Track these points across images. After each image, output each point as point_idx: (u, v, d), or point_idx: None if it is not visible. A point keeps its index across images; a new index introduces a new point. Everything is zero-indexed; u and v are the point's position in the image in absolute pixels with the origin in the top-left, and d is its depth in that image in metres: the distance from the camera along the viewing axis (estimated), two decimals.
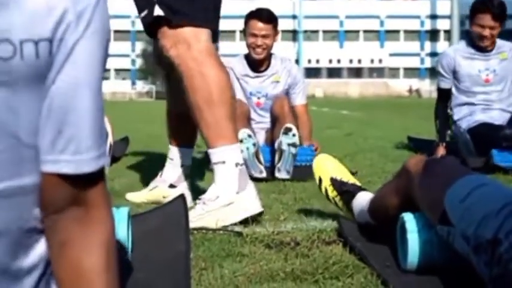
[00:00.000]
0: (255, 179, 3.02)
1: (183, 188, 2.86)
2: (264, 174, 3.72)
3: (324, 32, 72.16)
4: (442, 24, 68.68)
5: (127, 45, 67.93)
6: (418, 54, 71.72)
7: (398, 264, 1.74)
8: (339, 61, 71.31)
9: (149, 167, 4.01)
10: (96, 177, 0.94)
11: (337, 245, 2.01)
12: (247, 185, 2.40)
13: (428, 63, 69.98)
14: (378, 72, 71.04)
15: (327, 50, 71.14)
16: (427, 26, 71.78)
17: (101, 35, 0.92)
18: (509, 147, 4.09)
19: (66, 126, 0.89)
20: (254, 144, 3.74)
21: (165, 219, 2.04)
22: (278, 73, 4.40)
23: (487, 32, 4.42)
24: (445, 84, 4.61)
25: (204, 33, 2.45)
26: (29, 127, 0.89)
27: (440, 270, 1.64)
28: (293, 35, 70.37)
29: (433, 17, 71.07)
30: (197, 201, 2.44)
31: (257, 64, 4.37)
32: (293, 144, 3.74)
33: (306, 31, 70.88)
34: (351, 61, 71.31)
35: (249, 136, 3.73)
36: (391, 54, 70.51)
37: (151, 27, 2.50)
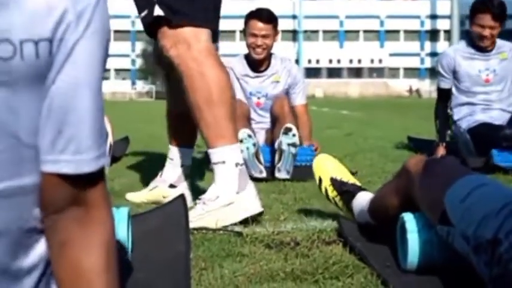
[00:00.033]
0: (255, 179, 3.02)
1: (183, 188, 2.86)
2: (264, 174, 3.72)
3: (324, 32, 72.17)
4: (442, 24, 68.70)
5: (127, 45, 67.94)
6: (418, 54, 71.73)
7: (398, 264, 1.74)
8: (339, 61, 71.32)
9: (149, 167, 4.01)
10: (96, 177, 0.94)
11: (337, 245, 2.01)
12: (247, 185, 2.40)
13: (428, 63, 69.99)
14: (377, 72, 71.05)
15: (327, 50, 71.15)
16: (427, 26, 71.80)
17: (101, 35, 0.92)
18: (509, 147, 4.09)
19: (66, 126, 0.90)
20: (254, 144, 3.74)
21: (165, 219, 2.04)
22: (278, 73, 4.40)
23: (487, 32, 4.42)
24: (445, 84, 4.61)
25: (204, 33, 2.45)
26: (29, 127, 0.89)
27: (440, 270, 1.64)
28: (293, 35, 70.38)
29: (433, 17, 71.09)
30: (197, 201, 2.44)
31: (257, 64, 4.38)
32: (293, 144, 3.74)
33: (306, 31, 70.90)
34: (351, 61, 71.33)
35: (249, 136, 3.73)
36: (391, 54, 70.52)
37: (151, 27, 2.50)
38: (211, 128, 2.40)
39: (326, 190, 2.31)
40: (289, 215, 2.54)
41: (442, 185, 1.55)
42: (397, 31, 71.56)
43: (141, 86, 68.96)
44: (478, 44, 4.51)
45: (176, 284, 1.59)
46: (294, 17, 70.16)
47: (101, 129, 0.93)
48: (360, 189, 2.21)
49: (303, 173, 3.59)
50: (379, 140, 6.66)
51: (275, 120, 4.05)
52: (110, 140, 3.77)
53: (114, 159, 4.44)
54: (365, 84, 68.55)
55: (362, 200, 2.11)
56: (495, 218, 1.34)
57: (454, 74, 4.58)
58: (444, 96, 4.62)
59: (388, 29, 71.59)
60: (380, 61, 71.21)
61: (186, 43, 2.42)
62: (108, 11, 0.94)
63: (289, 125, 3.77)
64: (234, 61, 4.46)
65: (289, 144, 3.74)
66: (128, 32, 65.50)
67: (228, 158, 2.38)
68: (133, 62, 69.65)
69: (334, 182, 2.28)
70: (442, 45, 65.52)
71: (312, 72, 67.98)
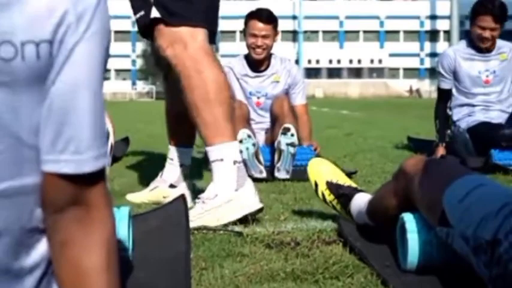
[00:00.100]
0: (255, 179, 3.02)
1: (183, 188, 2.86)
2: (264, 174, 3.73)
3: (324, 32, 72.13)
4: (442, 25, 68.65)
5: (127, 46, 67.90)
6: (417, 55, 71.69)
7: (398, 264, 1.74)
8: (339, 61, 71.28)
9: (149, 167, 4.02)
10: (96, 177, 0.94)
11: (337, 245, 2.01)
12: (245, 182, 2.40)
13: (428, 63, 69.97)
14: (377, 72, 71.01)
15: (327, 51, 71.10)
16: (427, 26, 71.76)
17: (101, 36, 0.92)
18: (509, 147, 4.09)
19: (66, 127, 0.90)
20: (254, 145, 3.74)
21: (165, 219, 2.04)
22: (278, 73, 4.41)
23: (487, 34, 4.42)
24: (445, 85, 4.61)
25: (200, 33, 2.45)
26: (30, 127, 0.89)
27: (440, 270, 1.64)
28: (293, 35, 70.35)
29: (433, 17, 71.05)
30: (196, 200, 2.45)
31: (257, 64, 4.38)
32: (292, 144, 3.75)
33: (306, 31, 70.86)
34: (350, 61, 71.29)
35: (249, 136, 3.74)
36: (390, 55, 70.48)
37: (147, 27, 2.51)
38: (209, 126, 2.41)
39: (323, 194, 2.30)
40: (289, 215, 2.54)
41: (440, 185, 1.55)
42: (397, 31, 71.52)
43: (142, 86, 68.92)
44: (478, 45, 4.51)
45: (176, 283, 1.59)
46: (294, 17, 70.14)
47: (101, 129, 0.93)
48: (357, 190, 2.20)
49: (302, 173, 3.59)
50: (379, 140, 6.66)
51: (275, 120, 4.06)
52: (111, 140, 3.77)
53: (115, 160, 4.44)
54: (365, 85, 68.52)
55: (360, 201, 2.10)
56: (494, 219, 1.34)
57: (454, 74, 4.58)
58: (444, 96, 4.62)
59: (388, 30, 71.55)
60: (380, 61, 71.17)
61: (183, 43, 2.43)
62: (108, 12, 0.94)
63: (287, 125, 3.78)
64: (234, 61, 4.47)
65: (287, 144, 3.74)
66: (128, 32, 65.44)
67: (226, 156, 2.39)
68: (133, 62, 69.61)
69: (331, 186, 2.28)
70: (441, 45, 65.47)
71: (312, 73, 67.96)
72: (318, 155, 4.11)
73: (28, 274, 0.95)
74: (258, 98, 4.39)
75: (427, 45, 71.82)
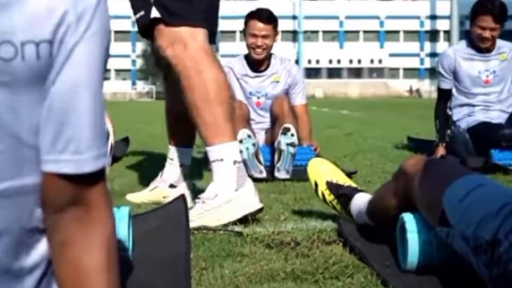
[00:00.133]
0: (255, 179, 3.02)
1: (183, 188, 2.86)
2: (264, 175, 3.73)
3: (324, 32, 72.13)
4: (442, 25, 68.65)
5: (127, 46, 67.89)
6: (417, 55, 71.69)
7: (399, 264, 1.74)
8: (339, 61, 71.28)
9: (149, 167, 4.02)
10: (96, 177, 0.94)
11: (337, 245, 2.01)
12: (245, 182, 2.41)
13: (427, 63, 69.97)
14: (377, 72, 71.01)
15: (327, 51, 71.11)
16: (427, 26, 71.76)
17: (101, 36, 0.92)
18: (509, 147, 4.09)
19: (66, 127, 0.90)
20: (254, 145, 3.75)
21: (165, 219, 2.04)
22: (278, 73, 4.41)
23: (487, 34, 4.42)
24: (445, 85, 4.61)
25: (200, 33, 2.45)
26: (30, 127, 0.89)
27: (440, 270, 1.64)
28: (293, 35, 70.35)
29: (433, 17, 71.05)
30: (196, 200, 2.45)
31: (257, 64, 4.38)
32: (291, 144, 3.75)
33: (306, 31, 70.86)
34: (350, 61, 71.29)
35: (249, 136, 3.74)
36: (390, 55, 70.48)
37: (147, 27, 2.51)
38: (208, 126, 2.41)
39: (323, 194, 2.30)
40: (289, 215, 2.54)
41: (440, 185, 1.55)
42: (397, 31, 71.52)
43: (142, 86, 68.92)
44: (478, 45, 4.51)
45: (176, 283, 1.59)
46: (294, 17, 70.14)
47: (101, 129, 0.93)
48: (357, 190, 2.20)
49: (303, 173, 3.59)
50: (379, 140, 6.66)
51: (275, 120, 4.06)
52: (112, 140, 3.77)
53: (115, 160, 4.44)
54: (365, 85, 68.51)
55: (360, 201, 2.10)
56: (494, 219, 1.34)
57: (454, 74, 4.58)
58: (444, 96, 4.62)
59: (387, 30, 71.55)
60: (380, 61, 71.17)
61: (183, 43, 2.43)
62: (108, 12, 0.94)
63: (287, 124, 3.78)
64: (234, 61, 4.47)
65: (287, 144, 3.74)
66: (128, 32, 65.44)
67: (226, 156, 2.39)
68: (133, 62, 69.61)
69: (331, 186, 2.27)
70: (441, 45, 65.47)
71: (312, 73, 67.96)
72: (318, 155, 4.11)
73: (28, 274, 0.95)
74: (258, 98, 4.40)
75: (427, 45, 71.82)
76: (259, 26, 4.27)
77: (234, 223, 2.34)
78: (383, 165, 4.33)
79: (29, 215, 0.93)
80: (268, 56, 4.38)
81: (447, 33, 62.33)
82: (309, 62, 70.37)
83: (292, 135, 3.75)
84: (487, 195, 1.45)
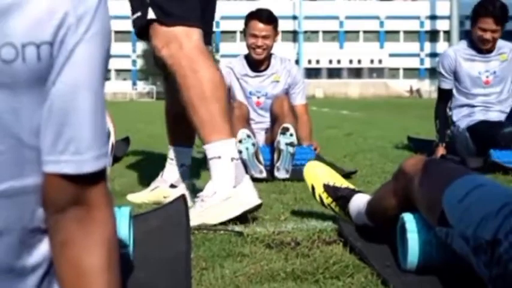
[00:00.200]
0: (255, 179, 3.02)
1: (184, 188, 2.87)
2: (264, 174, 3.73)
3: (324, 32, 72.11)
4: (442, 25, 68.62)
5: (128, 46, 67.86)
6: (417, 55, 71.66)
7: (399, 264, 1.74)
8: (339, 61, 71.27)
9: (149, 167, 4.02)
10: (97, 178, 0.95)
11: (337, 245, 2.01)
12: (243, 179, 2.41)
13: (427, 63, 69.95)
14: (377, 72, 71.00)
15: (327, 51, 71.10)
16: (427, 26, 71.73)
17: (102, 37, 0.92)
18: (508, 147, 4.09)
19: (66, 128, 0.90)
20: (253, 144, 3.75)
21: (166, 220, 2.05)
22: (278, 73, 4.41)
23: (488, 35, 4.42)
24: (445, 85, 4.61)
25: (195, 33, 2.46)
26: (31, 128, 0.90)
27: (440, 270, 1.64)
28: (293, 35, 70.33)
29: (433, 17, 71.02)
30: (195, 199, 2.45)
31: (257, 64, 4.39)
32: (291, 144, 3.75)
33: (306, 32, 70.85)
34: (350, 61, 71.27)
35: (248, 136, 3.74)
36: (390, 55, 70.46)
37: (143, 28, 2.51)
38: (205, 124, 2.41)
39: (320, 197, 2.29)
40: (289, 215, 2.54)
41: (440, 185, 1.55)
42: (397, 32, 71.49)
43: (142, 86, 68.91)
44: (479, 46, 4.51)
45: (177, 283, 1.59)
46: (294, 17, 70.12)
47: (101, 129, 0.94)
48: (355, 191, 2.20)
49: (303, 173, 3.58)
50: (379, 140, 6.66)
51: (275, 120, 4.06)
52: (112, 140, 3.78)
53: (115, 160, 4.45)
54: (365, 85, 68.49)
55: (359, 202, 2.10)
56: (494, 219, 1.34)
57: (455, 74, 4.58)
58: (445, 96, 4.63)
59: (387, 30, 71.53)
60: (380, 61, 71.15)
61: (178, 42, 2.44)
62: (109, 14, 0.94)
63: (286, 124, 3.78)
64: (234, 61, 4.48)
65: (287, 144, 3.74)
66: (128, 32, 65.28)
67: (223, 153, 2.39)
68: (134, 62, 69.59)
69: (328, 189, 2.27)
70: (441, 45, 65.45)
71: (312, 73, 67.96)
72: (318, 155, 4.12)
73: (30, 273, 0.95)
74: (258, 97, 4.40)
75: (427, 46, 71.81)
76: (259, 27, 4.28)
77: (235, 223, 2.34)
78: (383, 165, 4.33)
79: (30, 215, 0.93)
80: (268, 56, 4.39)
81: (447, 33, 62.31)
82: (309, 62, 70.35)
83: (291, 134, 3.75)
84: (486, 195, 1.45)
